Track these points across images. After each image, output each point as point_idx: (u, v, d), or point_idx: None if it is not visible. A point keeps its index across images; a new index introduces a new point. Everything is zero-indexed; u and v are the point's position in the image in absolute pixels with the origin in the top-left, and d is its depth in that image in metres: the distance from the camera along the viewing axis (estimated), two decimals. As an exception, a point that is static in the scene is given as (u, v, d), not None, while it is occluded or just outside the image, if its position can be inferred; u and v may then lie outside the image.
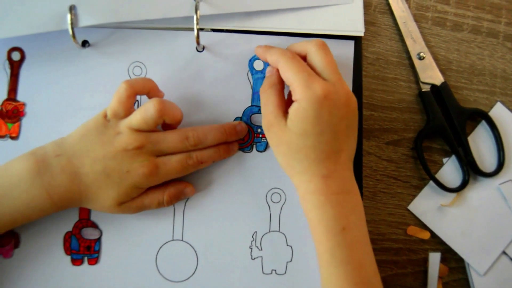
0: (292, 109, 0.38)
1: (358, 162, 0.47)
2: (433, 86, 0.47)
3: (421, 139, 0.46)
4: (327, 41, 0.48)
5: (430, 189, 0.47)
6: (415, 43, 0.47)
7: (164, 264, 0.45)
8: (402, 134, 0.47)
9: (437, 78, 0.47)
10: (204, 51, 0.48)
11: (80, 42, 0.47)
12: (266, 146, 0.47)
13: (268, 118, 0.41)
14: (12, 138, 0.46)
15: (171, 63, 0.48)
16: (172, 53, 0.48)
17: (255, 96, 0.48)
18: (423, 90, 0.47)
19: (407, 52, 0.48)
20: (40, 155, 0.39)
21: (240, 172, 0.47)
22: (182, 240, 0.46)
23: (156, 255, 0.45)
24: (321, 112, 0.37)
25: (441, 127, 0.46)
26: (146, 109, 0.40)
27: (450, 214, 0.46)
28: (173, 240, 0.46)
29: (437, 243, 0.46)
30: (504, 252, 0.46)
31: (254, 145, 0.47)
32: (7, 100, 0.47)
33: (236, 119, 0.47)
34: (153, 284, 0.45)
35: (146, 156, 0.40)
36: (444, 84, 0.47)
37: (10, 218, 0.39)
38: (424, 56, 0.47)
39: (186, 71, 0.48)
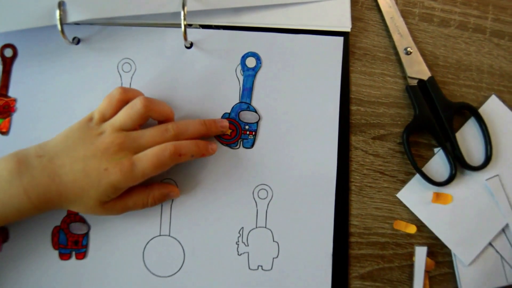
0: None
1: (345, 156, 0.45)
2: (420, 81, 0.44)
3: (408, 133, 0.43)
4: (316, 37, 0.46)
5: (420, 179, 0.44)
6: (402, 38, 0.45)
7: (151, 259, 0.43)
8: (389, 129, 0.45)
9: (424, 73, 0.44)
10: (192, 47, 0.46)
11: (70, 39, 0.45)
12: (253, 142, 0.45)
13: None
14: (2, 133, 0.44)
15: (159, 59, 0.45)
16: (160, 50, 0.46)
17: (245, 92, 0.46)
18: (410, 84, 0.45)
19: (394, 47, 0.46)
20: (22, 155, 0.38)
21: (227, 168, 0.44)
22: (169, 235, 0.43)
23: (143, 250, 0.43)
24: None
25: (428, 121, 0.43)
26: (133, 105, 0.39)
27: (438, 206, 0.44)
28: (160, 235, 0.43)
29: (423, 237, 0.43)
30: (490, 244, 0.43)
31: (241, 142, 0.45)
32: (-2, 96, 0.47)
33: (224, 115, 0.45)
34: (140, 279, 0.43)
35: (125, 153, 0.38)
36: (431, 78, 0.44)
37: None
38: (411, 51, 0.44)
39: (174, 67, 0.45)
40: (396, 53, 0.46)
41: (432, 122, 0.43)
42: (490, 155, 0.43)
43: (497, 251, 0.43)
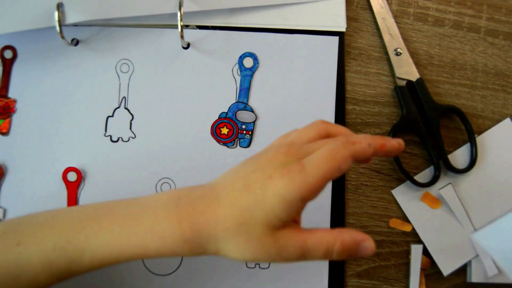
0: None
1: None
2: (409, 81, 0.44)
3: (394, 133, 0.43)
4: (312, 37, 0.46)
5: (418, 179, 0.43)
6: (393, 39, 0.44)
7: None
8: (384, 128, 0.44)
9: (413, 74, 0.44)
10: (189, 48, 0.45)
11: (70, 40, 0.45)
12: (250, 142, 0.44)
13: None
14: (3, 134, 0.44)
15: (157, 60, 0.45)
16: (158, 50, 0.45)
17: (242, 92, 0.45)
18: (398, 85, 0.44)
19: (386, 47, 0.45)
20: (186, 187, 0.32)
21: (225, 167, 0.45)
22: (167, 233, 0.45)
23: (142, 248, 0.45)
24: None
25: (414, 122, 0.43)
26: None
27: (428, 209, 0.43)
28: (158, 233, 0.45)
29: (419, 235, 0.43)
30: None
31: (238, 141, 0.44)
32: (-2, 97, 0.46)
33: (221, 114, 0.44)
34: (139, 278, 0.43)
35: (292, 159, 0.29)
36: (419, 80, 0.43)
37: (136, 244, 0.30)
38: (401, 52, 0.44)
39: (172, 67, 0.45)
40: (387, 53, 0.45)
41: (419, 123, 0.43)
42: (475, 158, 0.43)
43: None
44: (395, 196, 0.44)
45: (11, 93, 0.45)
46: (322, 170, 0.27)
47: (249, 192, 0.28)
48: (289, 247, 0.28)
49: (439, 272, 0.42)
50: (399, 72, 0.44)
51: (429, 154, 0.43)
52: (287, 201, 0.27)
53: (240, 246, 0.28)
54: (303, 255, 0.28)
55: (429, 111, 0.43)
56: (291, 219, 0.29)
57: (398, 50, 0.44)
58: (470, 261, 0.43)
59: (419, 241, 0.43)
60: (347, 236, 0.29)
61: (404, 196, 0.44)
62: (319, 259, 0.29)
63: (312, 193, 0.27)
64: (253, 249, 0.28)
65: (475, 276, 0.42)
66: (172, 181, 0.44)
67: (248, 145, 0.45)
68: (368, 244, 0.29)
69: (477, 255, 0.42)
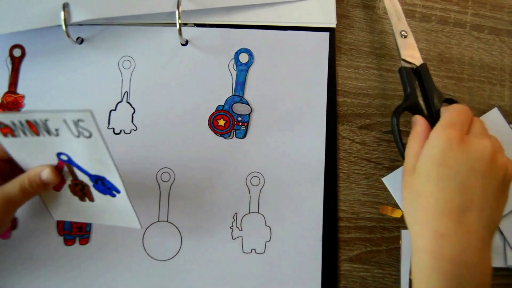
0: (422, 151, 0.33)
1: (333, 145, 0.45)
2: (412, 66, 0.43)
3: (397, 115, 0.40)
4: (304, 33, 0.47)
5: None
6: (399, 22, 0.44)
7: (151, 244, 0.44)
8: (374, 119, 0.45)
9: (417, 59, 0.43)
10: (188, 44, 0.47)
11: (75, 39, 0.46)
12: (246, 133, 0.46)
13: (405, 167, 0.35)
14: None
15: (157, 56, 0.47)
16: (158, 47, 0.47)
17: (238, 86, 0.47)
18: (403, 66, 0.42)
19: (378, 42, 0.47)
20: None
21: (222, 157, 0.45)
22: (167, 221, 0.44)
23: (143, 235, 0.44)
24: (448, 154, 0.31)
25: (417, 104, 0.41)
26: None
27: None
28: (158, 221, 0.44)
29: None
30: None
31: (234, 132, 0.46)
32: (7, 92, 0.46)
33: (218, 107, 0.46)
34: (140, 263, 0.44)
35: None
36: (423, 65, 0.42)
37: None
38: (406, 35, 0.43)
39: (171, 63, 0.47)
40: (382, 46, 0.47)
41: (421, 108, 0.41)
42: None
43: (501, 233, 0.43)
44: (386, 184, 0.45)
45: (20, 89, 0.47)
46: None
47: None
48: None
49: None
50: (404, 54, 0.43)
51: None
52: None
53: None
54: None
55: (431, 97, 0.42)
56: None
57: (403, 33, 0.44)
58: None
59: (409, 226, 0.44)
60: (31, 173, 0.37)
61: (394, 183, 0.45)
62: (20, 194, 0.36)
63: None
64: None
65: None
66: (172, 170, 0.46)
67: (244, 136, 0.46)
68: (45, 171, 0.37)
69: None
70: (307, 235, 0.44)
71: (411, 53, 0.43)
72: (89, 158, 0.37)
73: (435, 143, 0.32)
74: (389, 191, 0.45)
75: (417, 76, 0.42)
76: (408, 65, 0.43)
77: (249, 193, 0.45)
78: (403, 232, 0.44)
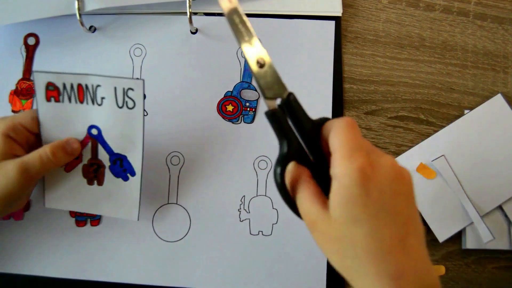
0: (332, 192, 0.27)
1: None
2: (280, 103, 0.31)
3: (281, 166, 0.30)
4: (310, 21, 0.48)
5: (413, 152, 0.45)
6: (249, 44, 0.31)
7: (160, 226, 0.45)
8: (380, 105, 0.46)
9: (284, 90, 0.31)
10: (197, 33, 0.48)
11: (87, 27, 0.48)
12: (253, 118, 0.47)
13: (308, 218, 0.29)
14: None
15: (168, 44, 0.48)
16: (169, 35, 0.48)
17: (246, 73, 0.47)
18: (270, 109, 0.31)
19: (383, 30, 0.47)
20: None
21: (230, 141, 0.46)
22: (176, 203, 0.45)
23: (153, 217, 0.45)
24: (368, 188, 0.26)
25: (299, 151, 0.31)
26: None
27: (423, 180, 0.44)
28: (168, 203, 0.45)
29: None
30: (500, 207, 0.43)
31: (242, 117, 0.46)
32: (22, 79, 0.47)
33: (227, 93, 0.47)
34: (149, 244, 0.44)
35: None
36: (291, 95, 0.31)
37: None
38: (264, 63, 0.31)
39: (181, 51, 0.47)
40: (386, 36, 0.48)
41: (303, 147, 0.31)
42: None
43: (505, 215, 0.44)
44: (392, 167, 0.45)
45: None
46: None
47: None
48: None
49: (435, 239, 0.43)
50: (268, 93, 0.31)
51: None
52: None
53: None
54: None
55: (309, 131, 0.31)
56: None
57: (260, 60, 0.31)
58: (464, 229, 0.44)
59: (414, 210, 0.44)
60: (54, 142, 0.38)
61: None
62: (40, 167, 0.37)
63: None
64: None
65: (469, 243, 0.43)
66: (181, 154, 0.46)
67: (252, 121, 0.47)
68: (70, 140, 0.38)
69: (471, 223, 0.43)
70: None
71: (275, 87, 0.31)
72: (120, 133, 0.38)
73: (348, 183, 0.26)
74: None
75: (287, 108, 0.31)
76: (274, 104, 0.31)
77: (256, 176, 0.46)
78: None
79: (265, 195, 0.45)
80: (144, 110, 0.38)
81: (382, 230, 0.26)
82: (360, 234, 0.26)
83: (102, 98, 0.38)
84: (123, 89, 0.37)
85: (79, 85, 0.38)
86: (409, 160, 0.45)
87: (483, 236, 0.43)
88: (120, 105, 0.38)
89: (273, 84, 0.31)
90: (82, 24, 0.47)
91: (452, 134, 0.45)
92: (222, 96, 0.47)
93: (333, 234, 0.27)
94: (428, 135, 0.46)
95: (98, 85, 0.38)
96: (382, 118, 0.46)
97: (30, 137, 0.39)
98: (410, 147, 0.46)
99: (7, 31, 0.49)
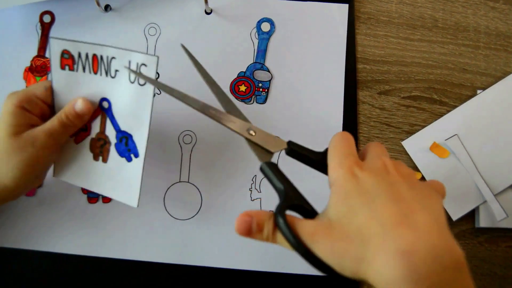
0: (330, 197, 0.28)
1: (353, 110, 0.46)
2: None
3: (282, 215, 0.29)
4: (324, 4, 0.48)
5: (426, 131, 0.45)
6: (241, 121, 0.36)
7: (172, 204, 0.44)
8: (393, 85, 0.46)
9: (282, 143, 0.35)
10: (212, 13, 0.48)
11: (103, 6, 0.48)
12: (266, 98, 0.46)
13: (306, 232, 0.27)
14: None
15: (182, 24, 0.48)
16: (183, 15, 0.48)
17: (259, 53, 0.47)
18: (265, 161, 0.33)
19: (396, 12, 0.47)
20: None
21: None
22: (188, 182, 0.45)
23: (164, 195, 0.45)
24: (359, 181, 0.27)
25: (299, 201, 0.31)
26: None
27: (437, 159, 0.44)
28: (180, 181, 0.45)
29: None
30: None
31: (255, 98, 0.46)
32: (36, 56, 0.47)
33: (240, 73, 0.47)
34: (161, 222, 0.44)
35: None
36: (290, 142, 0.35)
37: None
38: (255, 133, 0.35)
39: (196, 31, 0.48)
40: (399, 17, 0.48)
41: (303, 198, 0.31)
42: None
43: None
44: (405, 147, 0.45)
45: (48, 54, 0.48)
46: None
47: None
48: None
49: (448, 217, 0.43)
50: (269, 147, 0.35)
51: None
52: None
53: None
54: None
55: (317, 161, 0.34)
56: None
57: (251, 132, 0.35)
58: (478, 207, 0.43)
59: (428, 189, 0.44)
60: (66, 106, 0.38)
61: (414, 146, 0.45)
62: (59, 127, 0.37)
63: None
64: None
65: (483, 221, 0.43)
66: (193, 133, 0.46)
67: (264, 102, 0.47)
68: (78, 102, 0.38)
69: (484, 201, 0.43)
70: (326, 197, 0.44)
71: (273, 144, 0.35)
72: (129, 110, 0.38)
73: (342, 182, 0.28)
74: (408, 154, 0.45)
75: (293, 153, 0.35)
76: (269, 157, 0.34)
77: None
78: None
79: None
80: (154, 89, 0.37)
81: (383, 211, 0.25)
82: (362, 220, 0.26)
83: (116, 70, 0.38)
84: (137, 63, 0.37)
85: (94, 56, 0.37)
86: (422, 139, 0.45)
87: (496, 214, 0.42)
88: (132, 80, 0.37)
89: (273, 143, 0.35)
90: (98, 3, 0.47)
91: (465, 113, 0.45)
92: (235, 76, 0.47)
93: (335, 235, 0.26)
94: (441, 114, 0.46)
95: (113, 57, 0.38)
96: (396, 98, 0.46)
97: (44, 108, 0.39)
98: (423, 126, 0.45)
99: (23, 9, 0.49)
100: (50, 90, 0.39)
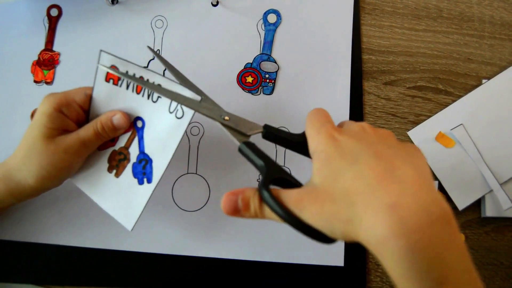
0: (313, 165, 0.28)
1: (359, 101, 0.46)
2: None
3: (266, 189, 0.28)
4: None
5: (432, 121, 0.45)
6: (216, 108, 0.36)
7: (180, 195, 0.45)
8: (398, 75, 0.46)
9: (257, 127, 0.35)
10: (218, 5, 0.48)
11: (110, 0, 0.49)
12: (273, 89, 0.47)
13: (293, 200, 0.27)
14: (47, 83, 0.47)
15: (189, 16, 0.48)
16: (190, 7, 0.48)
17: (266, 45, 0.47)
18: (243, 141, 0.33)
19: (400, 2, 0.47)
20: None
21: (249, 112, 0.46)
22: (196, 173, 0.45)
23: (172, 186, 0.45)
24: (341, 144, 0.27)
25: (280, 174, 0.30)
26: None
27: (443, 148, 0.44)
28: (188, 173, 0.45)
29: (434, 173, 0.43)
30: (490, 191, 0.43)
31: (262, 89, 0.46)
32: (44, 50, 0.47)
33: (247, 65, 0.47)
34: (169, 213, 0.44)
35: None
36: (266, 126, 0.34)
37: None
38: (229, 118, 0.35)
39: (202, 23, 0.48)
40: (403, 7, 0.48)
41: (284, 171, 0.31)
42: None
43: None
44: (411, 137, 0.45)
45: (56, 47, 0.49)
46: None
47: None
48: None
49: (454, 207, 0.43)
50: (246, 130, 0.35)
51: None
52: None
53: None
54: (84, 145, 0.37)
55: (295, 141, 0.33)
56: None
57: (226, 117, 0.36)
58: (483, 197, 0.44)
59: (435, 178, 0.44)
60: (103, 117, 0.38)
61: (419, 136, 0.45)
62: (94, 137, 0.37)
63: None
64: None
65: (489, 211, 0.43)
66: (201, 125, 0.46)
67: (271, 93, 0.47)
68: (117, 116, 0.37)
69: (490, 191, 0.43)
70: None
71: (248, 127, 0.35)
72: (158, 136, 0.38)
73: (321, 147, 0.28)
74: (414, 144, 0.45)
75: (271, 136, 0.35)
76: (246, 138, 0.34)
77: (275, 147, 0.46)
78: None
79: (284, 166, 0.45)
80: (188, 125, 0.37)
81: (367, 170, 0.25)
82: (347, 181, 0.25)
83: (159, 96, 0.38)
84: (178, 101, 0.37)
85: (141, 77, 0.37)
86: (428, 129, 0.45)
87: (502, 203, 0.43)
88: (171, 111, 0.37)
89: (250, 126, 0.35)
90: (104, -4, 0.47)
91: (470, 103, 0.45)
92: (242, 68, 0.47)
93: (322, 199, 0.26)
94: (446, 104, 0.46)
95: (159, 84, 0.37)
96: (401, 88, 0.46)
97: (80, 113, 0.39)
98: (429, 116, 0.46)
99: (30, 2, 0.49)
100: (90, 97, 0.39)
